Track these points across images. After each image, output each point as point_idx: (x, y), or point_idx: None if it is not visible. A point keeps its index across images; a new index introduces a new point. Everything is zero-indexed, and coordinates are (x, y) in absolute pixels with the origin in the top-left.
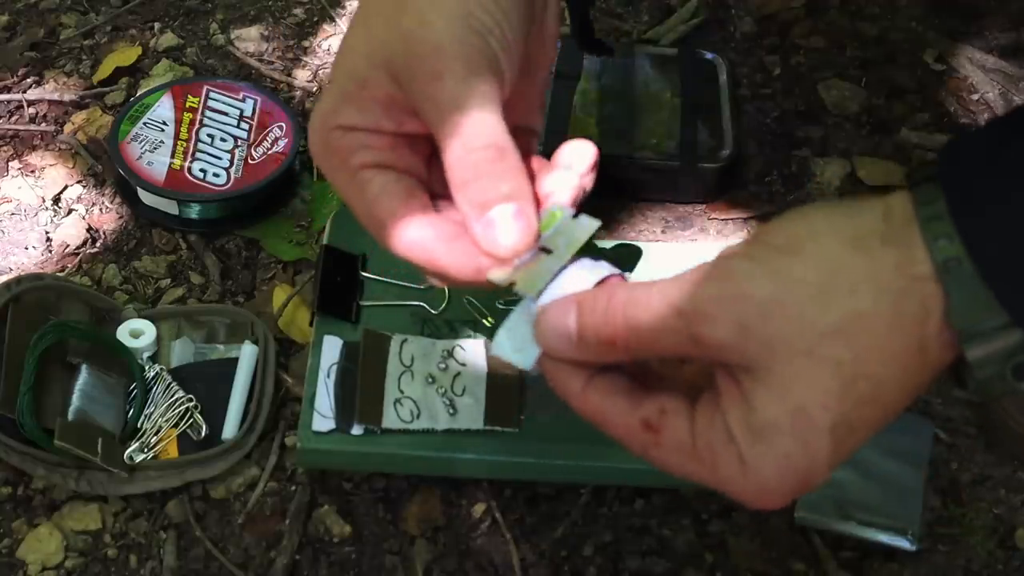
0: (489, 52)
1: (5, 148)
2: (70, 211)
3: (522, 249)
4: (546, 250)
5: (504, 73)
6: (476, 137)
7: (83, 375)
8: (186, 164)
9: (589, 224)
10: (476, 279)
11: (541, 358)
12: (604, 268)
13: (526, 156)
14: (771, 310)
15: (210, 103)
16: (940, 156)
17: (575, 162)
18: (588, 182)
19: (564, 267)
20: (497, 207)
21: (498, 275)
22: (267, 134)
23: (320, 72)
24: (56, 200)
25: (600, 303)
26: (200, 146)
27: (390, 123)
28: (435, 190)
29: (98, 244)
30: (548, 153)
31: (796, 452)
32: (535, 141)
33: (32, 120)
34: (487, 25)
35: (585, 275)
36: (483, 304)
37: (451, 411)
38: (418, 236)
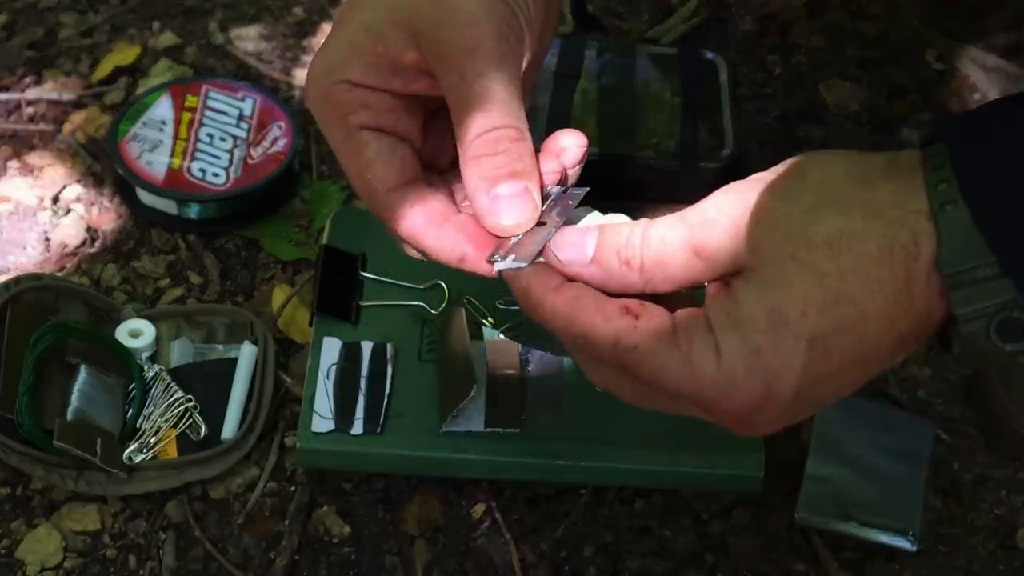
0: (518, 29)
1: (4, 148)
2: (69, 211)
3: (524, 226)
4: (540, 223)
5: (526, 52)
6: (499, 116)
7: (82, 375)
8: (185, 164)
9: (579, 191)
10: (456, 266)
11: (524, 269)
12: (613, 216)
13: None
14: (764, 217)
15: (209, 102)
16: (950, 120)
17: (566, 153)
18: (576, 172)
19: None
20: (506, 183)
21: (493, 256)
22: (266, 134)
23: None
24: (55, 200)
25: (624, 227)
26: (199, 146)
27: (398, 82)
28: (425, 159)
29: (97, 244)
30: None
31: (768, 349)
32: None
33: (31, 119)
34: (519, 3)
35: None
36: (483, 304)
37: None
38: (406, 213)
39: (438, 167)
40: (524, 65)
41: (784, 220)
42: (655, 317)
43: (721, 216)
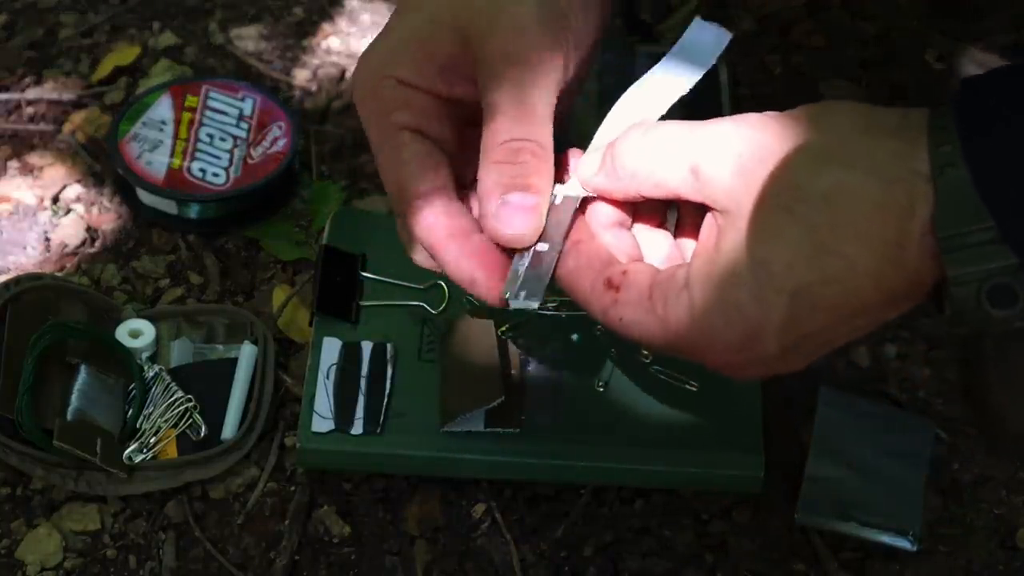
0: (566, 44)
1: (4, 148)
2: (69, 211)
3: (524, 241)
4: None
5: (571, 70)
6: (527, 128)
7: (82, 375)
8: (185, 164)
9: (572, 204)
10: (466, 287)
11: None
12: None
13: None
14: (767, 159)
15: (209, 102)
16: (962, 82)
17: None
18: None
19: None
20: (516, 193)
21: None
22: (266, 134)
23: (320, 72)
24: (55, 200)
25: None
26: (199, 146)
27: (442, 85)
28: (458, 168)
29: (97, 244)
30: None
31: (749, 303)
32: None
33: (31, 119)
34: (568, 17)
35: None
36: (483, 304)
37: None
38: (432, 221)
39: (463, 182)
40: (566, 82)
41: (787, 169)
42: (634, 287)
43: (728, 149)
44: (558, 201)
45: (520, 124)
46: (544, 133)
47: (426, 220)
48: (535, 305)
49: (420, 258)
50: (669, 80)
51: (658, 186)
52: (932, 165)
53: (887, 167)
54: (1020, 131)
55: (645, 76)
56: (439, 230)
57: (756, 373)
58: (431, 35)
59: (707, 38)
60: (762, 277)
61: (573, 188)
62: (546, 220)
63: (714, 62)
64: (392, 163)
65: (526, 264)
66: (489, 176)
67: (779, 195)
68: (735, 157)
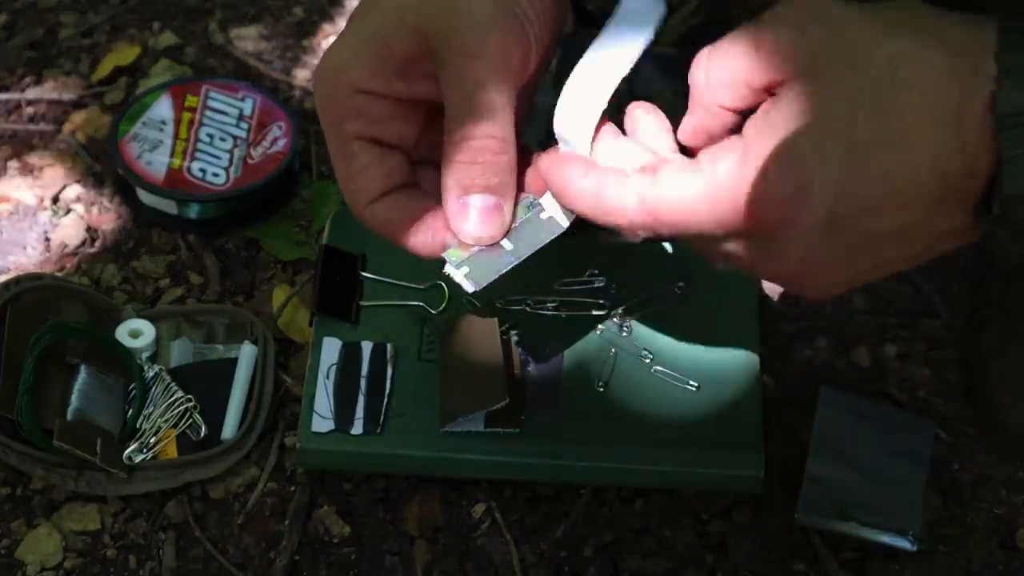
0: (524, 41)
1: (4, 148)
2: (69, 211)
3: (486, 241)
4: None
5: (530, 67)
6: (486, 125)
7: (82, 375)
8: (185, 164)
9: (554, 228)
10: (441, 254)
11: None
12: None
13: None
14: (836, 24)
15: (209, 102)
16: None
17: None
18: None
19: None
20: (477, 195)
21: (452, 256)
22: (266, 134)
23: None
24: (55, 200)
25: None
26: (199, 145)
27: (401, 86)
28: (422, 155)
29: (97, 244)
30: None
31: (805, 148)
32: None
33: (31, 120)
34: (528, 15)
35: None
36: (483, 304)
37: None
38: (385, 222)
39: (436, 161)
40: (526, 77)
41: (855, 33)
42: (674, 164)
43: (790, 17)
44: (543, 216)
45: (478, 122)
46: (504, 127)
47: (379, 222)
48: (470, 288)
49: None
50: (615, 53)
51: (724, 69)
52: (1001, 44)
53: (956, 40)
54: None
55: (588, 52)
56: (394, 225)
57: (789, 255)
58: (388, 36)
59: (641, 7)
60: (821, 127)
61: (557, 212)
62: (518, 226)
63: (655, 32)
64: (344, 172)
65: (480, 248)
66: (451, 175)
67: (845, 53)
68: (797, 21)
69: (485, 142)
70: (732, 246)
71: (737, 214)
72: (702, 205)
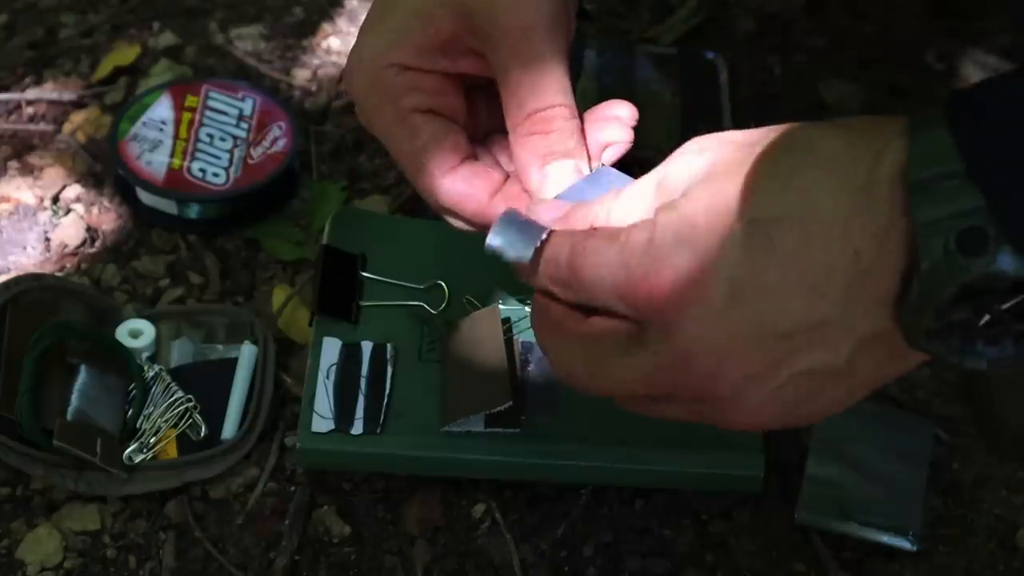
0: (566, 10)
1: (4, 148)
2: (69, 211)
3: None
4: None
5: (572, 30)
6: (553, 94)
7: (82, 375)
8: (185, 164)
9: (619, 179)
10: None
11: None
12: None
13: None
14: (731, 138)
15: (209, 102)
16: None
17: (622, 116)
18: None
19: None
20: (557, 162)
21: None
22: (266, 133)
23: (320, 72)
24: (55, 200)
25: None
26: (199, 146)
27: (446, 63)
28: (470, 130)
29: (97, 244)
30: None
31: (703, 225)
32: None
33: (31, 120)
34: None
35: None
36: (483, 304)
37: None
38: (464, 190)
39: (474, 138)
40: (571, 39)
41: (750, 133)
42: (609, 228)
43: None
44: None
45: (545, 92)
46: (568, 94)
47: (459, 190)
48: (510, 254)
49: (458, 224)
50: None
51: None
52: (908, 125)
53: (858, 123)
54: (1009, 96)
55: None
56: (477, 193)
57: (695, 331)
58: (430, 15)
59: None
60: (721, 204)
61: None
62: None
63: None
64: (410, 147)
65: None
66: (526, 148)
67: (742, 143)
68: (696, 154)
69: (556, 111)
70: (628, 310)
71: (639, 280)
72: (610, 270)
